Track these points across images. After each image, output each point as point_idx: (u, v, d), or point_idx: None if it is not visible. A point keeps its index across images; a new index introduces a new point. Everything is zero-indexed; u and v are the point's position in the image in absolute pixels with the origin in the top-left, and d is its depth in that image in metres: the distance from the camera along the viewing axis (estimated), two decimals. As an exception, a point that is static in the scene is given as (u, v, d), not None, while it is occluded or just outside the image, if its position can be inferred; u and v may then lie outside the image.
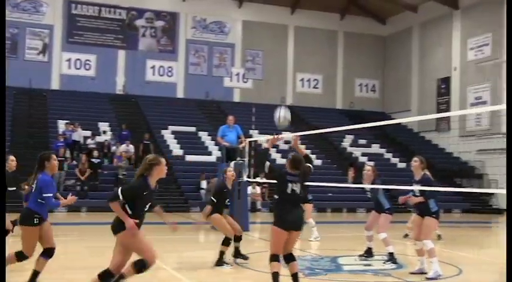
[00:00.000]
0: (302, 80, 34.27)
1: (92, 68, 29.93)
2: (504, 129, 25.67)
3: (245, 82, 33.15)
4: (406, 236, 13.54)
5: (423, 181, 8.14)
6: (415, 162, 8.34)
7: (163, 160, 6.07)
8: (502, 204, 25.55)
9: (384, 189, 9.60)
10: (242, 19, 32.97)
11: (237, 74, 32.93)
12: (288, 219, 6.32)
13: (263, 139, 25.23)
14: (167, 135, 26.83)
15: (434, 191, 8.16)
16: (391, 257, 9.18)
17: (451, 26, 30.43)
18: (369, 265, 9.17)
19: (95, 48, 29.88)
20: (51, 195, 6.35)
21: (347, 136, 29.49)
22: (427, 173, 8.33)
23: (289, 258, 6.52)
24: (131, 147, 23.42)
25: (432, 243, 8.03)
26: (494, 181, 25.81)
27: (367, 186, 9.84)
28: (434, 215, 8.09)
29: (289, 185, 6.38)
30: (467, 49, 29.31)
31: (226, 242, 8.92)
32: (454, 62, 30.14)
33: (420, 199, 8.13)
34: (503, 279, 8.46)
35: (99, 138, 24.15)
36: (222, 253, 8.85)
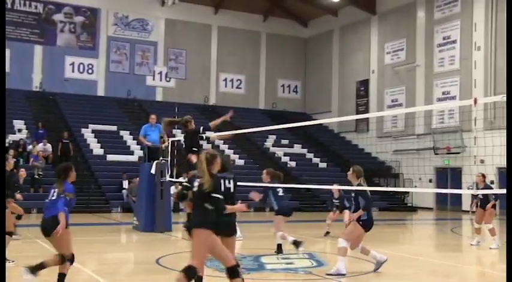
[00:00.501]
0: (225, 80, 34.33)
1: (6, 62, 28.60)
2: (417, 131, 26.90)
3: (168, 81, 32.80)
4: (327, 233, 13.88)
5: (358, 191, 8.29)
6: (349, 172, 8.49)
7: None
8: (416, 202, 26.75)
9: (274, 191, 10.39)
10: (165, 17, 32.58)
11: (160, 73, 32.52)
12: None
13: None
14: (87, 134, 26.08)
15: (369, 204, 8.29)
16: (279, 249, 10.16)
17: (369, 30, 31.48)
18: (291, 263, 9.32)
19: (9, 42, 28.54)
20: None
21: (270, 136, 29.84)
22: (362, 183, 8.39)
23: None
24: (48, 146, 22.66)
25: (345, 242, 8.23)
26: (409, 180, 26.94)
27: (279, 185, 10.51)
28: (361, 223, 8.26)
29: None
30: (384, 53, 30.42)
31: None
32: (372, 65, 31.20)
33: (359, 213, 8.22)
34: (419, 273, 8.86)
35: (13, 137, 23.18)
36: None
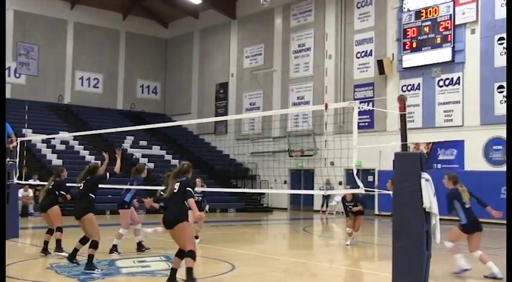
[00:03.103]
0: (81, 78, 32.99)
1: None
2: (274, 134, 27.90)
3: (17, 77, 30.74)
4: (351, 237, 13.00)
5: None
6: (445, 179, 8.73)
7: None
8: (271, 203, 27.70)
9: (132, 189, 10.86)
10: (14, 8, 30.48)
11: (8, 68, 30.38)
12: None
13: (37, 138, 23.75)
14: None
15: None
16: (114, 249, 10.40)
17: (229, 34, 32.06)
18: (147, 266, 9.18)
19: None
20: None
21: (128, 137, 29.18)
22: (459, 187, 8.72)
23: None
24: None
25: (451, 242, 8.64)
26: (265, 181, 27.82)
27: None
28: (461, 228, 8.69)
29: None
30: (243, 57, 31.15)
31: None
32: (232, 69, 31.79)
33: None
34: (272, 270, 9.17)
35: None
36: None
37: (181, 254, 7.19)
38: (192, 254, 7.05)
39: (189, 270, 7.00)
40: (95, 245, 8.56)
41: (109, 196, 19.84)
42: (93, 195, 9.02)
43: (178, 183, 7.29)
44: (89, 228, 8.79)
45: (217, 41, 32.79)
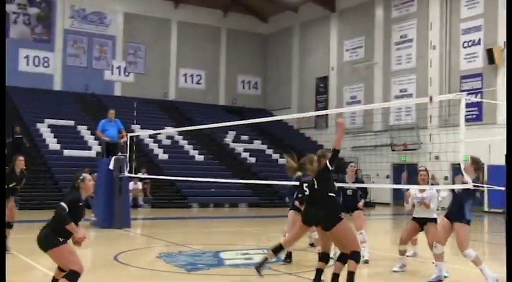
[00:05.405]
0: (185, 75, 34.10)
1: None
2: (375, 128, 27.33)
3: (126, 76, 32.35)
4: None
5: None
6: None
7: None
8: (374, 197, 27.17)
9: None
10: (123, 11, 32.11)
11: (118, 67, 32.04)
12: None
13: (145, 134, 24.88)
14: (43, 129, 25.49)
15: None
16: None
17: (329, 27, 31.77)
18: (250, 258, 9.34)
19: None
20: None
21: (229, 132, 29.81)
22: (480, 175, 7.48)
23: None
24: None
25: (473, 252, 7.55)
26: (367, 176, 27.33)
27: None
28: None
29: None
30: (343, 50, 30.76)
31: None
32: (332, 62, 31.50)
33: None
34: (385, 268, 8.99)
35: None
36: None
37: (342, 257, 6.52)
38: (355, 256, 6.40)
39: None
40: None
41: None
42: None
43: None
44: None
45: (316, 34, 32.62)
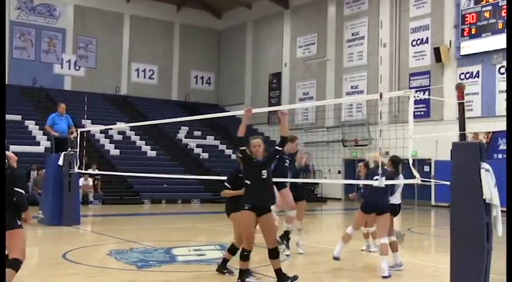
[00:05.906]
0: (137, 70, 33.64)
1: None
2: (327, 124, 27.66)
3: (77, 70, 31.67)
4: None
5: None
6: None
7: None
8: (325, 193, 27.54)
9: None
10: (74, 3, 31.37)
11: (68, 61, 31.33)
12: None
13: (96, 129, 24.44)
14: (-12, 123, 24.68)
15: None
16: None
17: (282, 24, 31.94)
18: (203, 255, 9.32)
19: None
20: None
21: (182, 128, 29.62)
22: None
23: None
24: None
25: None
26: (319, 171, 27.65)
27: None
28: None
29: None
30: (296, 47, 30.99)
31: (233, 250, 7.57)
32: (285, 58, 31.69)
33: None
34: (326, 260, 9.14)
35: None
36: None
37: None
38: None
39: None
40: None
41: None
42: None
43: None
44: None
45: (270, 30, 32.75)
